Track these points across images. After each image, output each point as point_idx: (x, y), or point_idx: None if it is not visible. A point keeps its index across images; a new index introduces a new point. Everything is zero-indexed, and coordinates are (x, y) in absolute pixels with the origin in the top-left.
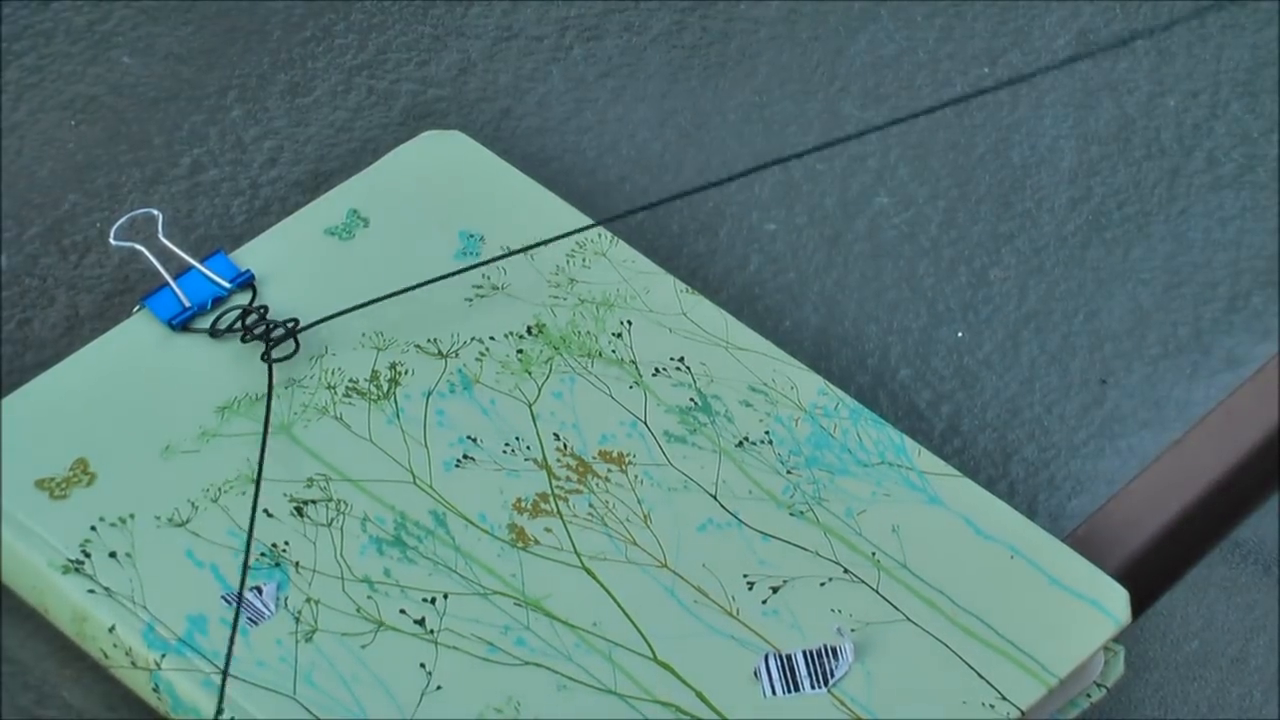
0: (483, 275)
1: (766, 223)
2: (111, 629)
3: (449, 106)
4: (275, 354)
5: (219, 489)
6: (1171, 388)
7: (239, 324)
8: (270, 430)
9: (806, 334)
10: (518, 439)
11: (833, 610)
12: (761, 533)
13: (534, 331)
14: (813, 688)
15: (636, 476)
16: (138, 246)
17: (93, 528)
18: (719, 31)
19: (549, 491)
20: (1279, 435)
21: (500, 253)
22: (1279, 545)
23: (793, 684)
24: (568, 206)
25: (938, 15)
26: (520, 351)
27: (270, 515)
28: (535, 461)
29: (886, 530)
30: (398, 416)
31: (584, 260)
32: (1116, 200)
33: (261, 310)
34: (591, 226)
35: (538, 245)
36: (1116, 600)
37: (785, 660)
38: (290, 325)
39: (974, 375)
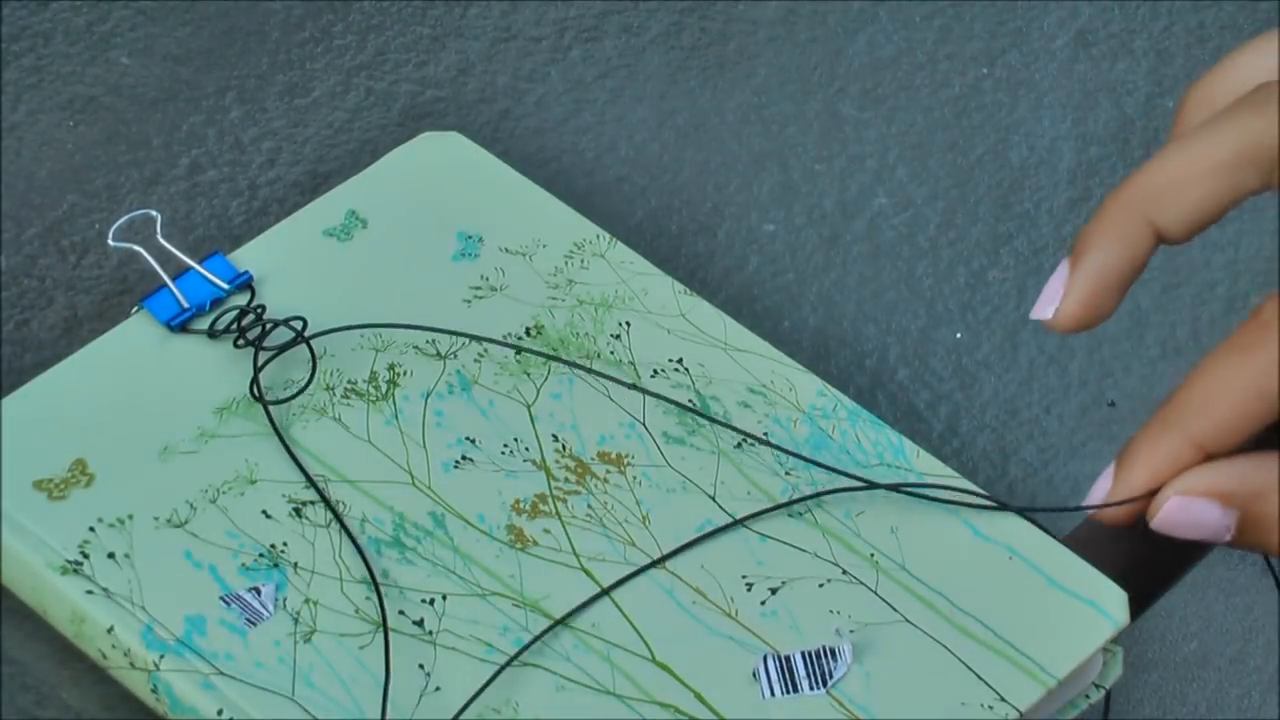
0: (481, 276)
1: (765, 223)
2: (110, 630)
3: (447, 107)
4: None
5: (217, 490)
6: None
7: (235, 325)
8: (269, 430)
9: (805, 335)
10: (516, 440)
11: (831, 611)
12: (760, 534)
13: (532, 333)
14: (811, 689)
15: (635, 477)
16: (136, 248)
17: (91, 529)
18: (717, 32)
19: (547, 492)
20: (1279, 435)
21: (499, 254)
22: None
23: (791, 685)
24: (566, 208)
25: (936, 16)
26: (519, 352)
27: (268, 516)
28: (534, 462)
29: (885, 531)
30: (396, 417)
31: (583, 261)
32: None
33: (259, 310)
34: None
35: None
36: (1115, 602)
37: (784, 661)
38: (269, 324)
39: (972, 376)
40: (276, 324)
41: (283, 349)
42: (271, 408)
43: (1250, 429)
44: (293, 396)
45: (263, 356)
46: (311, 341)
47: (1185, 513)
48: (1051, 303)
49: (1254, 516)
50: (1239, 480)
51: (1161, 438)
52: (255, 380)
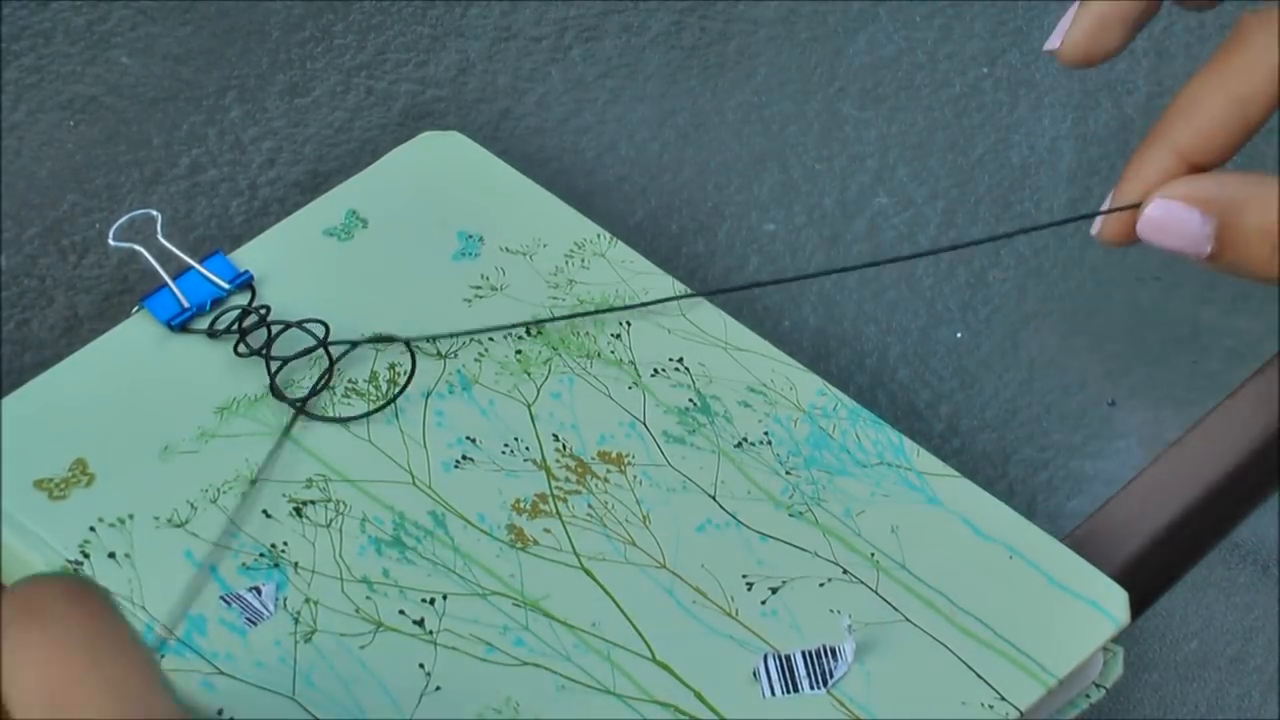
0: (481, 276)
1: (765, 223)
2: None
3: (448, 107)
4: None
5: (218, 490)
6: (1171, 388)
7: (235, 326)
8: (269, 430)
9: (805, 334)
10: (517, 439)
11: (832, 611)
12: (760, 533)
13: (533, 332)
14: (812, 688)
15: (635, 477)
16: (136, 247)
17: (92, 528)
18: (718, 32)
19: (548, 492)
20: (1279, 435)
21: (499, 253)
22: (1278, 546)
23: (792, 684)
24: (567, 207)
25: (937, 15)
26: (519, 352)
27: (269, 516)
28: (534, 462)
29: (885, 530)
30: (396, 417)
31: (583, 261)
32: None
33: (262, 310)
34: (689, 296)
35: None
36: (1116, 601)
37: (784, 661)
38: (278, 323)
39: (973, 375)
40: (288, 326)
41: (272, 349)
42: (270, 408)
43: (1230, 138)
44: (308, 397)
45: (277, 361)
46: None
47: (1165, 216)
48: (1060, 35)
49: (1232, 228)
50: (1218, 188)
51: (1149, 151)
52: (272, 383)
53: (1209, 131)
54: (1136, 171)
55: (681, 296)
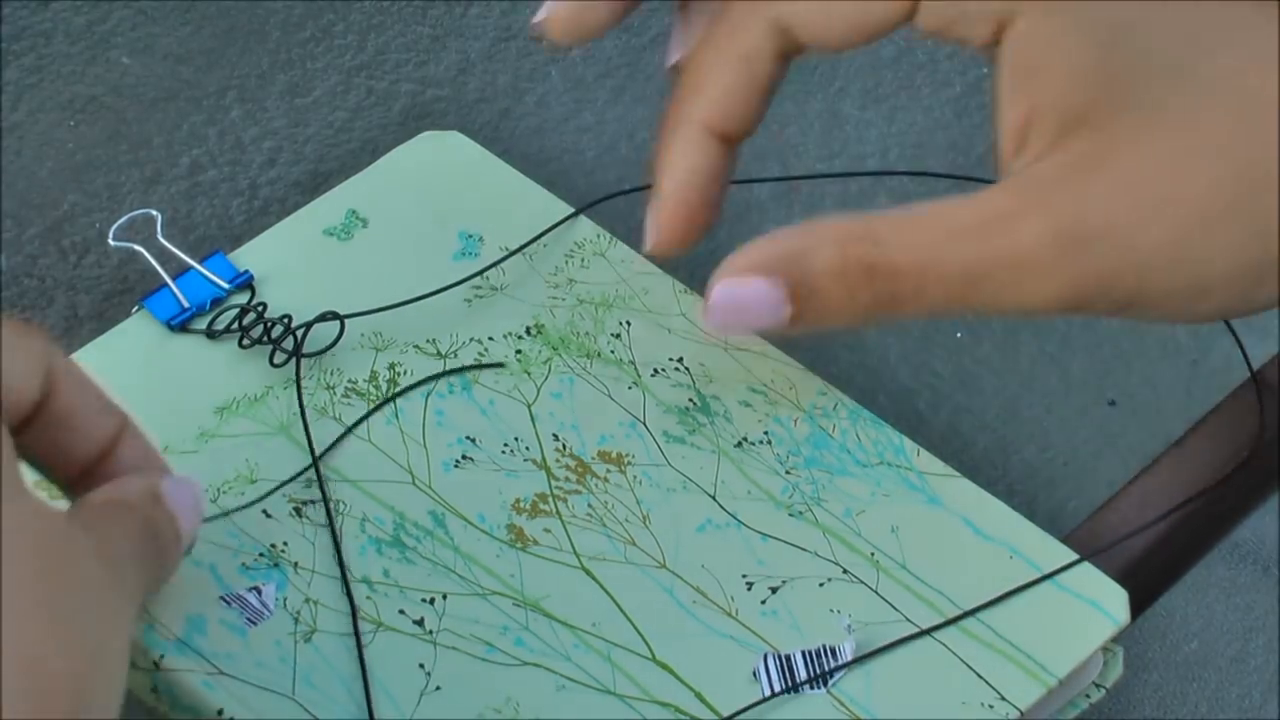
0: (482, 276)
1: (766, 223)
2: None
3: (448, 107)
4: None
5: (218, 490)
6: (1171, 387)
7: (236, 325)
8: (269, 430)
9: (805, 334)
10: (517, 439)
11: (832, 611)
12: (760, 533)
13: (533, 332)
14: (812, 688)
15: (635, 477)
16: (137, 247)
17: None
18: None
19: (548, 492)
20: (1278, 436)
21: (500, 253)
22: (1278, 545)
23: (792, 684)
24: (567, 207)
25: None
26: (519, 352)
27: (269, 516)
28: (534, 462)
29: (885, 530)
30: (396, 417)
31: (583, 260)
32: None
33: (260, 308)
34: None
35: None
36: (1116, 601)
37: (784, 660)
38: (286, 321)
39: (973, 376)
40: (309, 325)
41: (278, 343)
42: (270, 407)
43: (748, 101)
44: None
45: (303, 363)
46: (309, 330)
47: (731, 298)
48: (545, 10)
49: (799, 280)
50: (775, 246)
51: (676, 133)
52: (299, 392)
53: (725, 100)
54: (671, 158)
55: (566, 218)
